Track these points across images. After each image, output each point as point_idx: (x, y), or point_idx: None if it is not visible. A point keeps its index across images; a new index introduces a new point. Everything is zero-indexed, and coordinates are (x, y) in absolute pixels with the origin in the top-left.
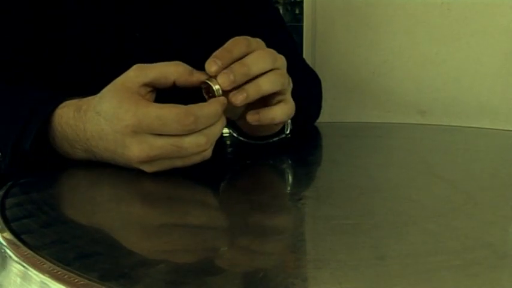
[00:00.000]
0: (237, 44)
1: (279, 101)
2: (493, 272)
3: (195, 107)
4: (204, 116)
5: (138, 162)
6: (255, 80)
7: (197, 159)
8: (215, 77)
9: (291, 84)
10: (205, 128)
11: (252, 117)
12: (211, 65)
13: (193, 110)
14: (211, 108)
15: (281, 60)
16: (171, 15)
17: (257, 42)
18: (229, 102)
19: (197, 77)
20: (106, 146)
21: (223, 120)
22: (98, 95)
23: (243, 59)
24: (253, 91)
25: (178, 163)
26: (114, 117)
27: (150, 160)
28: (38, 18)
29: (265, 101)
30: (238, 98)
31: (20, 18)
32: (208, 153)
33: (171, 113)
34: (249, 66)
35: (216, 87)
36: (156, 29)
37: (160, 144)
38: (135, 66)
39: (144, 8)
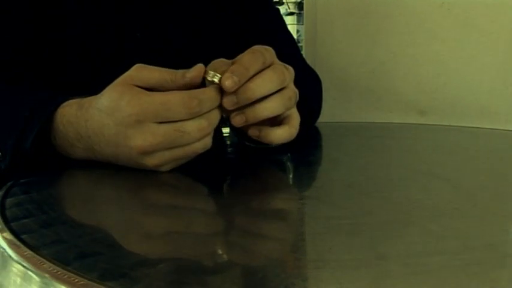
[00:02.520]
0: (254, 61)
1: (284, 119)
2: (493, 272)
3: (197, 91)
4: (207, 99)
5: (140, 153)
6: (257, 105)
7: (198, 147)
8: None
9: (298, 98)
10: (206, 113)
11: (252, 132)
12: (228, 81)
13: (196, 94)
14: (212, 92)
15: (290, 75)
16: (172, 15)
17: (270, 55)
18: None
19: (190, 77)
20: (108, 140)
21: (220, 108)
22: (100, 93)
23: (250, 82)
24: (251, 117)
25: (180, 153)
26: (116, 109)
27: (152, 150)
28: (38, 18)
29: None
30: (237, 121)
31: (20, 18)
32: (209, 141)
33: (175, 98)
34: (253, 91)
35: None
36: (157, 29)
37: (163, 131)
38: (135, 66)
39: (144, 8)
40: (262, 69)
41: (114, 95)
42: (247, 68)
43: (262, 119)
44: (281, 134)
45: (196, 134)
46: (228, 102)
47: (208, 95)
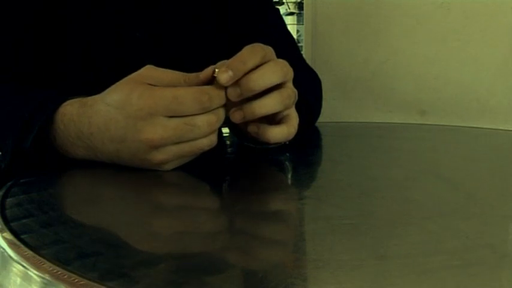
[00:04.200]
0: (253, 55)
1: (282, 118)
2: (493, 272)
3: (207, 87)
4: (216, 95)
5: (149, 146)
6: (255, 102)
7: (205, 143)
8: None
9: (297, 97)
10: (215, 108)
11: (251, 129)
12: (223, 75)
13: (207, 90)
14: (219, 88)
15: (291, 73)
16: (171, 16)
17: (271, 52)
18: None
19: (202, 78)
20: (113, 136)
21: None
22: (107, 90)
23: (253, 73)
24: (249, 113)
25: (187, 148)
26: (127, 103)
27: (162, 144)
28: (39, 19)
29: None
30: (236, 117)
31: (20, 18)
32: (215, 138)
33: (187, 93)
34: (256, 82)
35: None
36: (156, 29)
37: (174, 125)
38: (146, 67)
39: (144, 8)
40: (263, 63)
41: (124, 90)
42: (245, 62)
43: (260, 116)
44: (279, 133)
45: (206, 128)
46: (232, 94)
47: (217, 91)
